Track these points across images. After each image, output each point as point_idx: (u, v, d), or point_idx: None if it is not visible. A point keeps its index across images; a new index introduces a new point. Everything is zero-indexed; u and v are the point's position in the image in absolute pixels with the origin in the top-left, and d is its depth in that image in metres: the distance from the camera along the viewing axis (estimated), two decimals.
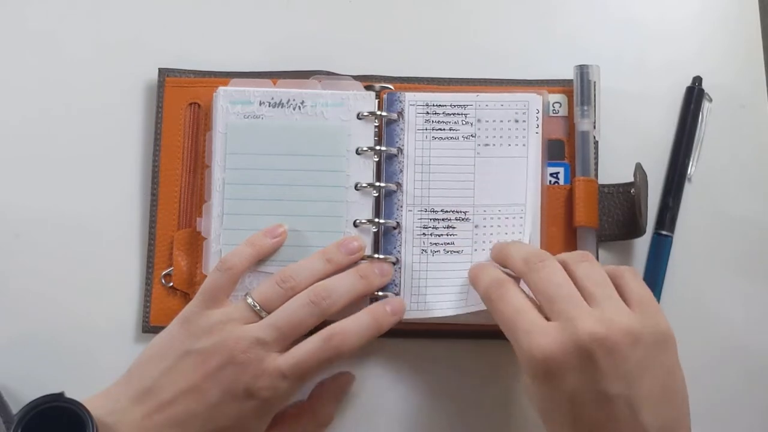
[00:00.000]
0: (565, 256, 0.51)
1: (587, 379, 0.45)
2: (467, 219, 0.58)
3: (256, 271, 0.57)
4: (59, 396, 0.49)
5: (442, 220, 0.58)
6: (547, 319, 0.47)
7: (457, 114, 0.59)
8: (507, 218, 0.58)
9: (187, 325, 0.52)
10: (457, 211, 0.58)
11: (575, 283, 0.48)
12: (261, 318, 0.52)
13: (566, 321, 0.46)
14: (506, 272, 0.52)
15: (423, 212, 0.58)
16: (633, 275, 0.49)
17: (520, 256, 0.51)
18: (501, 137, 0.59)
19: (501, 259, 0.54)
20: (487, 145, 0.59)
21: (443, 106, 0.59)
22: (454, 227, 0.58)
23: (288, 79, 0.61)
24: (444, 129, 0.59)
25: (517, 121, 0.59)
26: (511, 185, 0.58)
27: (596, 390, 0.45)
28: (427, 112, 0.59)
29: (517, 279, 0.52)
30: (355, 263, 0.56)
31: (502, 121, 0.59)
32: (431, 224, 0.58)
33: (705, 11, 0.65)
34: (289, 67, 0.62)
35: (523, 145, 0.59)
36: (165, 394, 0.50)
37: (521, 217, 0.58)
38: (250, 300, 0.53)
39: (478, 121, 0.59)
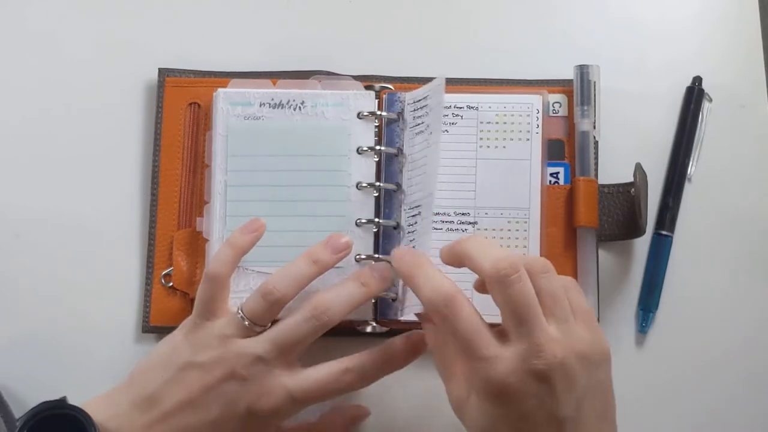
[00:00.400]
0: (528, 263, 0.48)
1: (542, 403, 0.45)
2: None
3: (258, 272, 0.56)
4: (61, 402, 0.49)
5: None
6: (504, 332, 0.47)
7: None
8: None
9: (189, 336, 0.52)
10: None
11: (537, 295, 0.47)
12: (255, 332, 0.52)
13: (531, 345, 0.45)
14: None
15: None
16: (578, 290, 0.49)
17: (489, 262, 0.47)
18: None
19: (458, 260, 0.50)
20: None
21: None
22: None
23: (288, 79, 0.61)
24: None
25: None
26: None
27: (549, 413, 0.45)
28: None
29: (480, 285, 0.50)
30: (341, 260, 0.55)
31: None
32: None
33: (705, 11, 0.65)
34: (289, 67, 0.62)
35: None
36: (166, 405, 0.50)
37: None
38: (240, 315, 0.52)
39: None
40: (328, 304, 0.52)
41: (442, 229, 0.58)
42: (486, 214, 0.58)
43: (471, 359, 0.46)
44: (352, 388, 0.52)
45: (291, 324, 0.51)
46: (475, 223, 0.58)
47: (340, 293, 0.53)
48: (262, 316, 0.51)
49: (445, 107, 0.59)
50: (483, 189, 0.59)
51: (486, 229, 0.58)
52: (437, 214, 0.58)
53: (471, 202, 0.58)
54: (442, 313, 0.47)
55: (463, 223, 0.58)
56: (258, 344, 0.51)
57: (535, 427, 0.45)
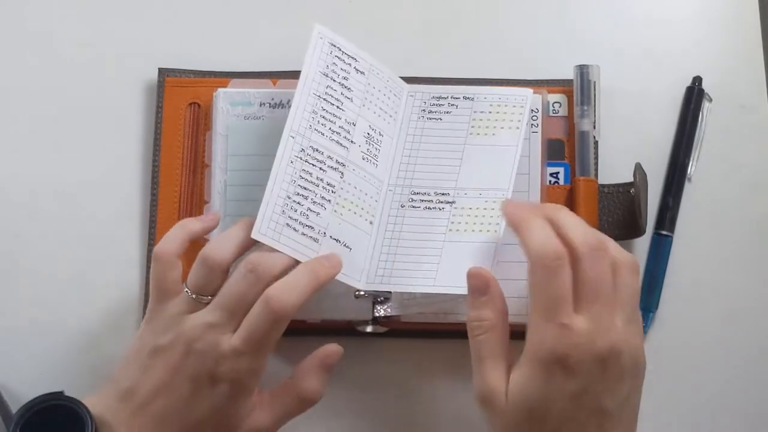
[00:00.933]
0: (578, 244, 0.48)
1: (595, 386, 0.46)
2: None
3: None
4: (59, 394, 0.49)
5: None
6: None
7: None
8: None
9: (150, 322, 0.53)
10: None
11: (580, 277, 0.47)
12: (203, 304, 0.52)
13: (598, 326, 0.46)
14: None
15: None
16: (633, 271, 0.50)
17: (581, 238, 0.48)
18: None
19: (551, 220, 0.49)
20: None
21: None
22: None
23: (288, 79, 0.61)
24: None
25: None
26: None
27: (597, 399, 0.46)
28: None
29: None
30: None
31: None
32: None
33: (705, 11, 0.65)
34: (289, 67, 0.62)
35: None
36: (144, 394, 0.50)
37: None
38: (186, 291, 0.52)
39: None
40: (262, 257, 0.52)
41: (420, 207, 0.58)
42: (465, 194, 0.58)
43: (549, 321, 0.46)
44: (283, 315, 0.51)
45: (230, 284, 0.51)
46: (453, 202, 0.58)
47: (298, 278, 0.52)
48: (205, 285, 0.52)
49: (443, 97, 0.59)
50: (466, 172, 0.58)
51: (462, 208, 0.57)
52: (416, 194, 0.58)
53: (452, 183, 0.58)
54: (549, 266, 0.47)
55: (441, 202, 0.58)
56: (206, 313, 0.51)
57: (580, 409, 0.46)
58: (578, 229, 0.49)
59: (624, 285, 0.48)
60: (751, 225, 0.61)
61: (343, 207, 0.56)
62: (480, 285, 0.51)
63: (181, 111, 0.61)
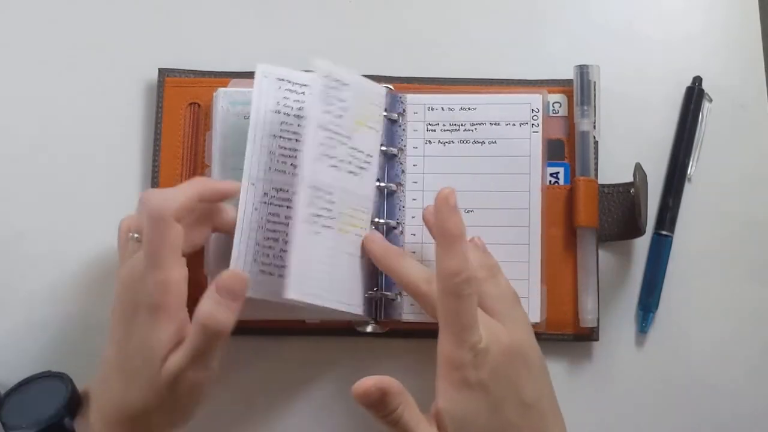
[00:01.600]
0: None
1: (512, 389, 0.49)
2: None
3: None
4: (43, 372, 0.52)
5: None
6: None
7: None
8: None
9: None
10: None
11: (480, 298, 0.51)
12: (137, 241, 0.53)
13: (492, 335, 0.49)
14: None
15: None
16: (519, 301, 0.53)
17: (477, 262, 0.52)
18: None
19: (436, 231, 0.50)
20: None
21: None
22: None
23: None
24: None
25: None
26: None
27: (518, 400, 0.49)
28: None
29: None
30: None
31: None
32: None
33: (705, 12, 0.65)
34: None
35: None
36: (109, 353, 0.51)
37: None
38: (130, 234, 0.53)
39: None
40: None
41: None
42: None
43: (460, 343, 0.48)
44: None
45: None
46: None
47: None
48: (138, 226, 0.52)
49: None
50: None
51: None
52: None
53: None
54: (461, 293, 0.47)
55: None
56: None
57: (506, 412, 0.48)
58: (473, 255, 0.51)
59: (493, 296, 0.52)
60: (751, 225, 0.61)
61: None
62: (376, 400, 0.48)
63: (181, 111, 0.61)
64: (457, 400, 0.48)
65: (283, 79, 0.56)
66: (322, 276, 0.53)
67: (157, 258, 0.48)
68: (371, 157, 0.57)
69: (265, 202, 0.54)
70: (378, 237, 0.56)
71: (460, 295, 0.47)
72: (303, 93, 0.56)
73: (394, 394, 0.48)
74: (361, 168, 0.56)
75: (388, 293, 0.57)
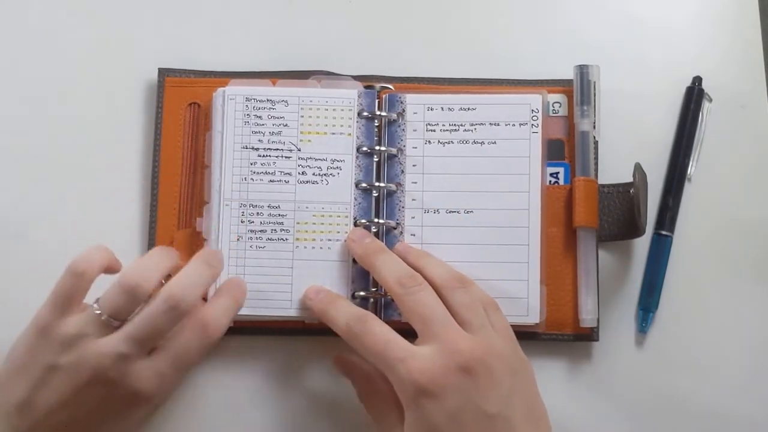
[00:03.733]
0: (441, 281, 0.52)
1: (468, 397, 0.47)
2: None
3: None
4: None
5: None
6: (418, 344, 0.49)
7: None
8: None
9: (44, 334, 0.50)
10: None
11: (450, 310, 0.51)
12: (113, 327, 0.50)
13: (444, 342, 0.48)
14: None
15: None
16: (496, 307, 0.53)
17: (392, 276, 0.52)
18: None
19: (366, 265, 0.55)
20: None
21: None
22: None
23: (288, 79, 0.61)
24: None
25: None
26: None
27: (477, 408, 0.47)
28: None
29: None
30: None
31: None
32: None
33: (705, 11, 0.65)
34: (289, 67, 0.62)
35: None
36: (41, 409, 0.49)
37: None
38: (98, 312, 0.49)
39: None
40: (184, 289, 0.50)
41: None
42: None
43: (388, 368, 0.49)
44: (213, 342, 0.52)
45: (148, 318, 0.49)
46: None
47: (191, 274, 0.52)
48: (121, 310, 0.50)
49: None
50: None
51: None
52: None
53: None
54: (357, 332, 0.50)
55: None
56: (119, 342, 0.49)
57: (466, 424, 0.47)
58: (384, 270, 0.53)
59: (457, 302, 0.51)
60: (751, 225, 0.61)
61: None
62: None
63: (181, 111, 0.61)
64: (415, 417, 0.48)
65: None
66: (263, 287, 0.57)
67: (186, 370, 0.52)
68: (341, 161, 0.58)
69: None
70: (358, 235, 0.57)
71: (355, 336, 0.51)
72: (273, 107, 0.59)
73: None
74: (326, 175, 0.58)
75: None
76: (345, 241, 0.57)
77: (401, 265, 0.54)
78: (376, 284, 0.58)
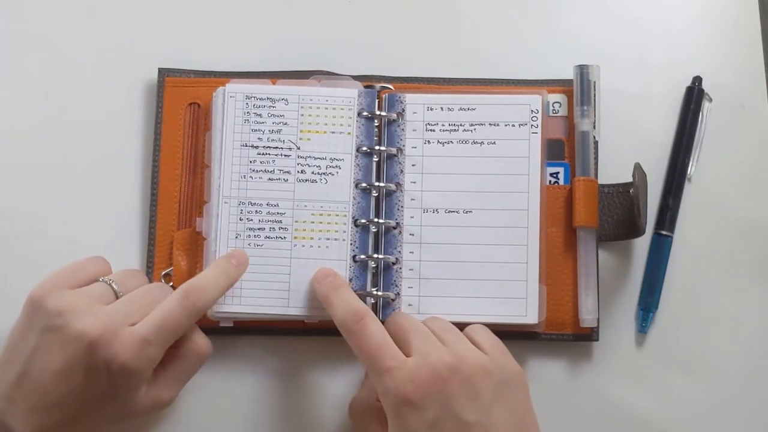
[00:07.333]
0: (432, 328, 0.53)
1: (447, 407, 0.48)
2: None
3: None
4: None
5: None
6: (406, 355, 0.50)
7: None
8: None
9: (38, 306, 0.51)
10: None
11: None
12: (117, 296, 0.53)
13: (423, 355, 0.49)
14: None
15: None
16: (483, 328, 0.54)
17: (341, 311, 0.53)
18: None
19: (324, 303, 0.56)
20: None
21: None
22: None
23: (287, 79, 0.61)
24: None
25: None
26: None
27: (456, 417, 0.47)
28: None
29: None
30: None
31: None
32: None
33: (705, 11, 0.65)
34: (289, 67, 0.62)
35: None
36: (39, 379, 0.50)
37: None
38: (104, 278, 0.53)
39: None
40: (201, 291, 0.53)
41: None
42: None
43: (375, 375, 0.49)
44: (199, 311, 0.52)
45: (169, 313, 0.51)
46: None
47: (210, 276, 0.54)
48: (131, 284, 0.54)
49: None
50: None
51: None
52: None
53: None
54: (352, 329, 0.51)
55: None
56: (143, 328, 0.50)
57: (443, 428, 0.47)
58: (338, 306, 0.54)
59: (433, 326, 0.53)
60: (751, 225, 0.61)
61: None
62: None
63: (181, 111, 0.61)
64: (398, 428, 0.48)
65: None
66: (261, 285, 0.57)
67: (170, 339, 0.51)
68: (340, 161, 0.58)
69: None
70: (322, 275, 0.56)
71: (350, 332, 0.51)
72: (273, 106, 0.59)
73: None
74: (325, 174, 0.58)
75: (387, 293, 0.57)
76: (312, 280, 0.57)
77: (351, 303, 0.53)
78: (375, 284, 0.58)
